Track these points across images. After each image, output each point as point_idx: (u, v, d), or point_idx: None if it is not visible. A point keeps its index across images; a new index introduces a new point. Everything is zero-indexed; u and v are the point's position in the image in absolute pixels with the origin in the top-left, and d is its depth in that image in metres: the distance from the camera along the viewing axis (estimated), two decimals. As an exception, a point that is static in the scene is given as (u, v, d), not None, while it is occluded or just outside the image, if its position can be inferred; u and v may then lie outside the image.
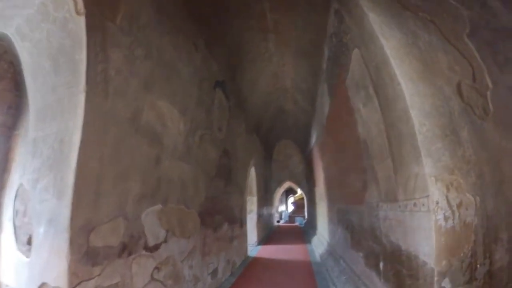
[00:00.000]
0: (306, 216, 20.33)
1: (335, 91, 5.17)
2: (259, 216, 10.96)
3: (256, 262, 7.85)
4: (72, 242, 2.23)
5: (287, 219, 23.87)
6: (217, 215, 5.69)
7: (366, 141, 3.87)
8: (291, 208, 27.27)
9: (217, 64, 5.51)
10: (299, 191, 23.45)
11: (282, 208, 28.21)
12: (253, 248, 9.78)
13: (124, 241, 2.81)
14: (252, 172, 9.73)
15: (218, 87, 5.76)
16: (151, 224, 3.26)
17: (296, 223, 20.96)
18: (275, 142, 14.85)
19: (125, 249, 2.83)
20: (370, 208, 3.91)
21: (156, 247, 3.37)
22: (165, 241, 3.58)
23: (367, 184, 4.06)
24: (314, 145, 9.54)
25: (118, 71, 2.72)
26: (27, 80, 2.78)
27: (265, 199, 12.94)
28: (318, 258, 8.17)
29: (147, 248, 3.19)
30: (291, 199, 29.56)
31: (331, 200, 6.95)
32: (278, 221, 20.12)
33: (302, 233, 14.86)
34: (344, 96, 4.61)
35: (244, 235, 8.04)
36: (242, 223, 7.89)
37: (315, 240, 10.59)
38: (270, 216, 16.49)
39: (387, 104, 3.03)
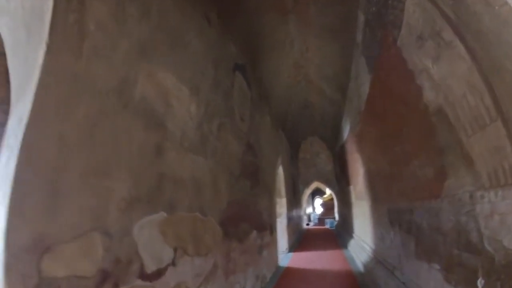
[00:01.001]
0: (337, 218, 18.84)
1: (380, 62, 4.11)
2: (289, 220, 9.61)
3: (289, 273, 6.58)
4: (10, 271, 1.36)
5: (316, 221, 22.49)
6: (243, 223, 4.58)
7: (443, 109, 2.73)
8: (319, 209, 25.86)
9: (235, 46, 4.60)
10: (328, 191, 22.18)
11: (309, 209, 26.97)
12: (284, 256, 8.53)
13: (105, 268, 1.82)
14: (280, 171, 8.50)
15: (238, 71, 4.76)
16: (150, 241, 2.23)
17: (326, 226, 19.37)
18: (300, 139, 13.39)
19: (108, 280, 1.82)
20: (456, 203, 2.79)
21: (158, 274, 2.32)
22: (173, 263, 2.53)
23: (446, 169, 2.94)
24: (347, 139, 8.29)
25: (100, 26, 1.94)
26: (9, 62, 1.93)
27: (294, 201, 11.61)
28: (360, 267, 6.85)
29: (144, 275, 2.14)
30: (318, 200, 28.28)
31: (377, 199, 5.79)
32: (307, 224, 18.89)
33: (335, 237, 13.47)
34: (395, 62, 3.59)
35: (274, 243, 6.76)
36: (272, 230, 6.65)
37: (352, 244, 9.24)
38: (300, 218, 14.94)
39: (482, 41, 1.97)
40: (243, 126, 5.01)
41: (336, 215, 19.12)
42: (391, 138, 4.29)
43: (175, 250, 2.59)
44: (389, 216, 5.08)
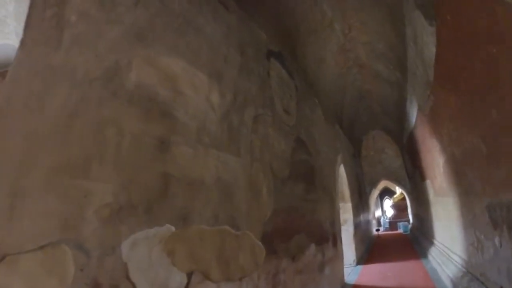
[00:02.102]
0: (411, 221, 16.25)
1: (449, 8, 2.96)
2: (356, 227, 8.07)
3: (360, 293, 5.15)
4: None
5: (387, 226, 19.95)
6: (297, 235, 3.67)
7: None
8: (390, 212, 23.20)
9: (264, 31, 3.97)
10: (398, 190, 19.93)
11: (378, 213, 24.67)
12: (352, 270, 7.02)
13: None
14: (341, 172, 7.16)
15: (274, 58, 4.06)
16: (148, 263, 1.65)
17: (399, 230, 16.80)
18: (361, 135, 11.36)
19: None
20: None
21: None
22: (187, 293, 1.70)
23: None
24: (416, 124, 6.70)
25: (83, 16, 1.74)
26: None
27: (361, 205, 9.82)
28: (448, 284, 5.26)
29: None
30: (387, 202, 25.76)
31: (468, 193, 4.37)
32: (377, 230, 16.94)
33: (411, 244, 11.29)
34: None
35: (339, 257, 5.48)
36: (336, 240, 5.42)
37: (434, 253, 7.44)
38: (368, 224, 12.79)
39: None
40: (289, 119, 4.18)
41: (410, 217, 16.89)
42: (482, 101, 3.05)
43: (189, 274, 1.93)
44: (490, 215, 3.75)
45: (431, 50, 3.74)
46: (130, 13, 2.02)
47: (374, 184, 13.52)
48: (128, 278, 1.58)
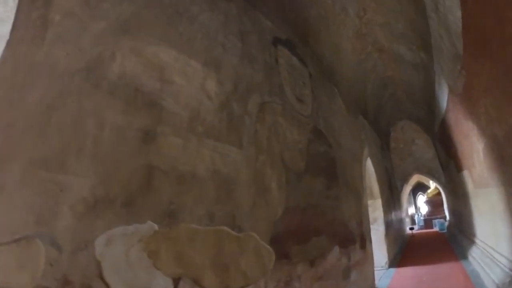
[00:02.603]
0: (447, 217, 14.83)
1: None
2: (388, 226, 7.30)
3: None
4: None
5: (421, 224, 17.94)
6: (316, 237, 3.24)
7: None
8: (424, 209, 20.88)
9: (270, 19, 3.75)
10: (432, 185, 18.49)
11: (411, 210, 23.28)
12: (383, 274, 6.28)
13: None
14: (369, 165, 6.46)
15: (282, 46, 3.78)
16: (126, 263, 1.48)
17: (435, 228, 15.37)
18: (388, 126, 10.39)
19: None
20: None
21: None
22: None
23: None
24: (448, 108, 5.77)
25: (67, 15, 1.78)
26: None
27: (392, 201, 8.95)
28: None
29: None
30: (421, 198, 24.19)
31: None
32: (411, 228, 15.69)
33: (448, 242, 10.19)
34: None
35: (368, 259, 4.89)
36: (365, 242, 4.85)
37: (475, 254, 6.57)
38: (401, 222, 11.68)
39: None
40: (303, 108, 3.80)
41: (447, 213, 15.64)
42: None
43: (176, 280, 1.71)
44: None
45: (456, 15, 3.20)
46: (115, 7, 2.02)
47: (405, 179, 12.51)
48: (101, 277, 1.47)
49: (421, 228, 17.75)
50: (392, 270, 6.74)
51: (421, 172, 12.58)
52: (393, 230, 8.23)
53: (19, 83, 1.53)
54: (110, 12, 1.97)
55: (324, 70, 5.01)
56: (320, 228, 3.42)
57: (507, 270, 4.42)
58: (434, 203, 17.91)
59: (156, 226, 1.68)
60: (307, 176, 3.42)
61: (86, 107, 1.64)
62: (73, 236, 1.47)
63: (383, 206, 6.80)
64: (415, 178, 14.25)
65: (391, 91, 7.55)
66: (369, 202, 6.35)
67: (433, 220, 16.50)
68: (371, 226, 5.99)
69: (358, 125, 6.17)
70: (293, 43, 4.09)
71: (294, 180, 3.11)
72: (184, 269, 1.75)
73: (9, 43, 1.58)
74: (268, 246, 2.44)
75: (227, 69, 2.61)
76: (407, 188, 14.92)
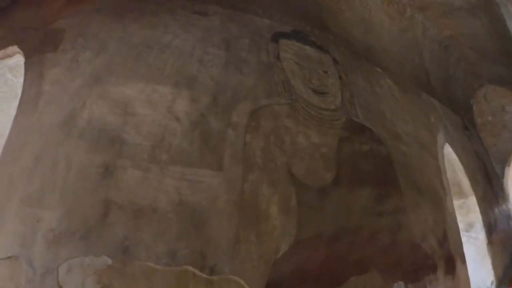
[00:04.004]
0: None
1: None
2: (490, 230, 4.97)
3: None
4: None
5: None
6: (358, 275, 2.44)
7: None
8: None
9: (267, 17, 3.51)
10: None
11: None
12: None
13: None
14: (449, 154, 4.83)
15: (287, 39, 3.38)
16: None
17: None
18: (467, 99, 7.92)
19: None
20: None
21: None
22: None
23: None
24: None
25: (54, 83, 2.36)
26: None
27: (492, 194, 6.78)
28: None
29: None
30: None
31: None
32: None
33: None
34: None
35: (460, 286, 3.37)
36: (453, 264, 3.37)
37: None
38: (510, 219, 9.18)
39: None
40: (327, 101, 3.15)
41: None
42: None
43: None
44: None
45: None
46: (91, 63, 2.45)
47: (505, 160, 9.45)
48: None
49: None
50: (504, 294, 4.79)
51: (527, 147, 9.46)
52: (500, 233, 6.06)
53: (19, 144, 2.09)
54: (86, 69, 2.40)
55: (358, 51, 4.14)
56: (366, 261, 2.57)
57: None
58: None
59: (110, 261, 1.72)
60: (340, 190, 2.70)
61: (60, 153, 2.00)
62: (43, 260, 1.73)
63: (480, 204, 4.88)
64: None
65: (456, 54, 5.71)
66: (458, 203, 4.67)
67: None
68: (465, 236, 4.46)
69: (422, 105, 4.69)
70: (304, 32, 3.62)
71: (313, 199, 2.48)
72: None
73: (15, 118, 2.21)
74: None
75: (204, 83, 2.51)
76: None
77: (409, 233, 2.97)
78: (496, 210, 5.25)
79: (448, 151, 4.39)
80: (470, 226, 4.41)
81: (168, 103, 2.28)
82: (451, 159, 4.46)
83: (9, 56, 2.56)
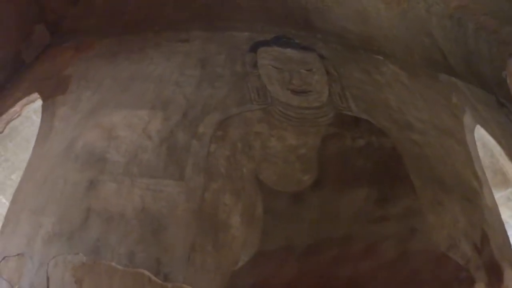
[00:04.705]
0: None
1: None
2: None
3: None
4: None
5: None
6: None
7: None
8: None
9: (247, 30, 3.04)
10: None
11: None
12: None
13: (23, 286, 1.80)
14: (483, 138, 3.16)
15: (267, 46, 2.83)
16: (61, 284, 1.70)
17: None
18: (497, 71, 5.89)
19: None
20: None
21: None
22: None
23: None
24: None
25: (61, 119, 2.47)
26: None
27: None
28: None
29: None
30: None
31: None
32: None
33: None
34: None
35: None
36: (499, 273, 2.14)
37: None
38: None
39: None
40: (309, 99, 2.50)
41: None
42: None
43: None
44: None
45: None
46: (89, 101, 2.53)
47: None
48: None
49: None
50: None
51: None
52: None
53: (34, 168, 2.31)
54: (85, 106, 2.50)
55: (352, 44, 3.37)
56: (360, 279, 1.83)
57: None
58: None
59: (84, 259, 1.76)
60: (323, 193, 2.07)
61: (60, 173, 2.13)
62: (40, 256, 1.83)
63: None
64: None
65: (472, 25, 4.13)
66: (504, 194, 3.22)
67: None
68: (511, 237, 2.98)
69: (440, 87, 3.45)
70: (287, 36, 3.08)
71: (284, 206, 1.96)
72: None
73: (34, 148, 2.44)
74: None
75: (177, 103, 2.40)
76: None
77: (427, 240, 2.18)
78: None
79: (481, 133, 3.05)
80: (521, 223, 2.95)
81: (144, 125, 2.24)
82: (487, 143, 3.13)
83: (32, 101, 2.74)
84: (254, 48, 2.79)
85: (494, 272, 2.34)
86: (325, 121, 2.36)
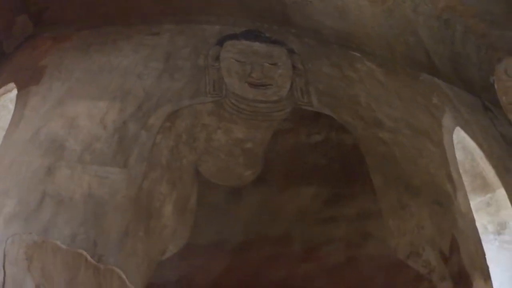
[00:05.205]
0: None
1: None
2: None
3: None
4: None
5: None
6: None
7: None
8: None
9: (219, 24, 2.89)
10: None
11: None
12: None
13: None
14: (464, 140, 2.84)
15: (236, 40, 2.69)
16: (14, 261, 1.76)
17: None
18: (485, 76, 5.08)
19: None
20: None
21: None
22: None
23: None
24: None
25: (32, 109, 2.44)
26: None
27: None
28: None
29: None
30: None
31: None
32: None
33: None
34: None
35: None
36: (465, 284, 1.93)
37: None
38: None
39: None
40: (267, 93, 2.35)
41: None
42: None
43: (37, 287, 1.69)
44: None
45: None
46: (58, 91, 2.49)
47: None
48: (3, 266, 1.78)
49: None
50: None
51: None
52: None
53: (3, 154, 2.28)
54: (55, 96, 2.46)
55: (328, 39, 3.14)
56: (298, 282, 1.70)
57: None
58: None
59: (36, 238, 1.82)
60: (265, 190, 1.94)
61: (25, 159, 2.15)
62: (1, 234, 1.87)
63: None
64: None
65: (461, 27, 3.78)
66: (484, 199, 2.90)
67: None
68: (496, 241, 2.68)
69: (420, 87, 3.19)
70: (259, 30, 2.91)
71: (221, 200, 1.88)
72: (44, 282, 1.70)
73: (5, 136, 2.41)
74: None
75: (135, 94, 2.37)
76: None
77: (383, 246, 2.02)
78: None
79: (461, 136, 2.77)
80: (502, 227, 2.67)
81: (102, 115, 2.26)
82: (467, 146, 2.84)
83: (9, 91, 2.73)
84: (221, 41, 2.68)
85: (463, 282, 2.11)
86: (280, 116, 2.21)
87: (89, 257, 1.70)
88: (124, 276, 1.63)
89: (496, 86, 3.63)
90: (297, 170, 1.99)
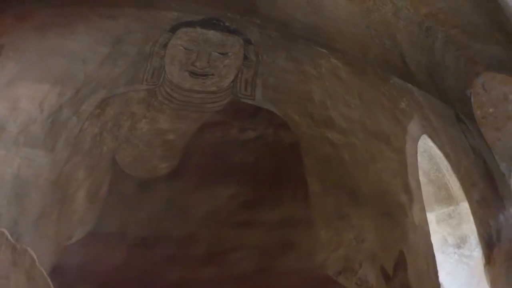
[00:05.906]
0: None
1: None
2: (491, 245, 2.23)
3: None
4: None
5: None
6: None
7: None
8: None
9: (177, 10, 2.60)
10: None
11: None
12: None
13: None
14: (430, 150, 2.37)
15: (190, 27, 2.45)
16: None
17: None
18: (462, 89, 4.78)
19: None
20: None
21: None
22: None
23: None
24: None
25: None
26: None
27: (496, 198, 3.49)
28: None
29: None
30: None
31: None
32: None
33: None
34: None
35: None
36: None
37: None
38: None
39: None
40: (206, 83, 2.12)
41: None
42: None
43: None
44: None
45: None
46: (9, 72, 2.31)
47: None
48: None
49: None
50: None
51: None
52: (504, 248, 3.11)
53: None
54: (4, 77, 2.27)
55: (296, 32, 2.81)
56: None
57: None
58: None
59: None
60: (177, 185, 1.77)
61: None
62: None
63: (475, 211, 2.57)
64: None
65: (442, 36, 3.29)
66: (446, 211, 2.56)
67: None
68: (456, 254, 2.35)
69: (389, 90, 2.84)
70: (218, 18, 2.63)
71: (130, 192, 1.74)
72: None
73: None
74: (47, 277, 1.51)
75: (76, 78, 2.25)
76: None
77: (307, 259, 1.67)
78: (501, 216, 2.72)
79: (428, 145, 2.45)
80: (462, 241, 2.35)
81: (42, 99, 2.17)
82: (434, 156, 2.50)
83: None
84: (175, 28, 2.46)
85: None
86: (213, 108, 1.98)
87: (9, 236, 1.69)
88: (35, 257, 1.60)
89: (472, 100, 3.20)
90: (218, 167, 1.79)
